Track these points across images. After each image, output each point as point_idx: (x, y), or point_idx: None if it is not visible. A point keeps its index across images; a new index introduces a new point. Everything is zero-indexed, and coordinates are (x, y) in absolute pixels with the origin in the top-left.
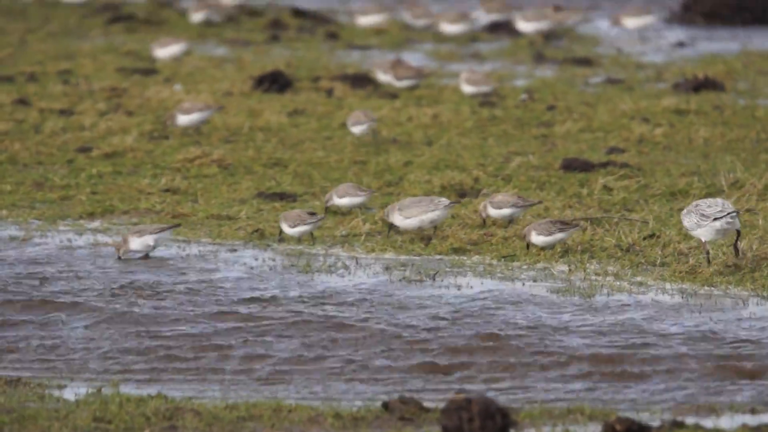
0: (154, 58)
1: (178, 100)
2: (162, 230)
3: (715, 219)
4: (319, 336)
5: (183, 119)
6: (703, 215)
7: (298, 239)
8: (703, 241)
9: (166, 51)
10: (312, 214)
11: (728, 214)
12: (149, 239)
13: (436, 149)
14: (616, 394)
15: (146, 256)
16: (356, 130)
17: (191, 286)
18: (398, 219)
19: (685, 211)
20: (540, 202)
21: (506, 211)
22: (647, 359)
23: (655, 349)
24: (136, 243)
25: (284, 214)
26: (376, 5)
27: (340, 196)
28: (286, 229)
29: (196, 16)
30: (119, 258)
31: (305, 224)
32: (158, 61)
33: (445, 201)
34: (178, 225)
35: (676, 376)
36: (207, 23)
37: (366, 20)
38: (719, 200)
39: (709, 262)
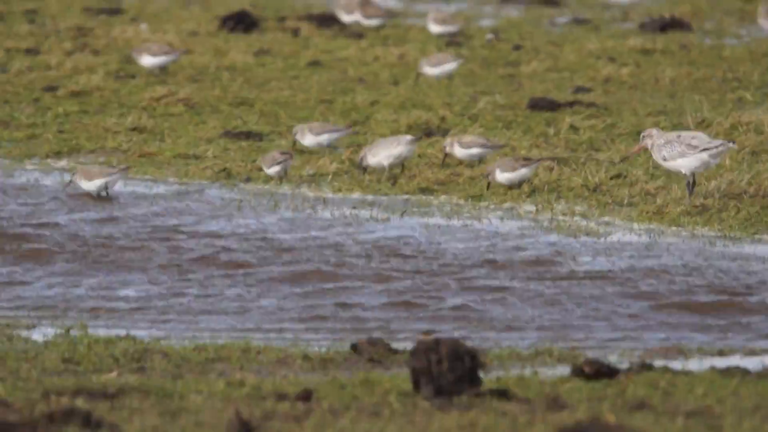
0: None
1: (144, 40)
2: (110, 174)
3: (704, 150)
4: None
5: (148, 60)
6: (690, 145)
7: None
8: (684, 172)
9: None
10: (284, 153)
11: (720, 145)
12: (97, 183)
13: (403, 89)
14: None
15: (105, 195)
16: (436, 71)
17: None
18: (369, 159)
19: (662, 141)
20: (505, 145)
21: (474, 152)
22: None
23: None
24: (86, 184)
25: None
26: None
27: (317, 134)
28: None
29: None
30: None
31: (278, 163)
32: (124, 0)
33: (407, 137)
34: (127, 168)
35: None
36: None
37: None
38: (700, 133)
39: (691, 192)
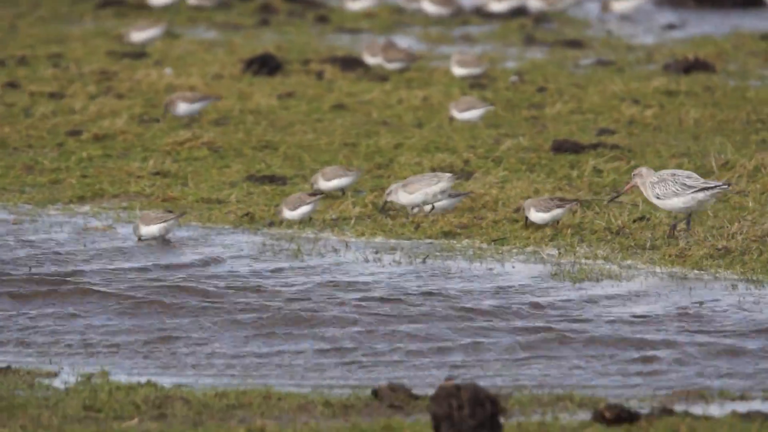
0: (130, 41)
1: (168, 84)
2: (166, 220)
3: (700, 190)
4: None
5: (185, 108)
6: (684, 185)
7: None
8: (674, 212)
9: (142, 35)
10: (312, 194)
11: (717, 187)
12: (154, 229)
13: (427, 131)
14: None
15: (165, 241)
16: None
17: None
18: (403, 195)
19: (655, 179)
20: (469, 193)
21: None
22: None
23: None
24: (143, 230)
25: (284, 199)
26: None
27: (328, 179)
28: (288, 213)
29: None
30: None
31: (306, 204)
32: (135, 44)
33: (447, 174)
34: (184, 213)
35: None
36: (195, 7)
37: (355, 5)
38: (692, 173)
39: (673, 234)
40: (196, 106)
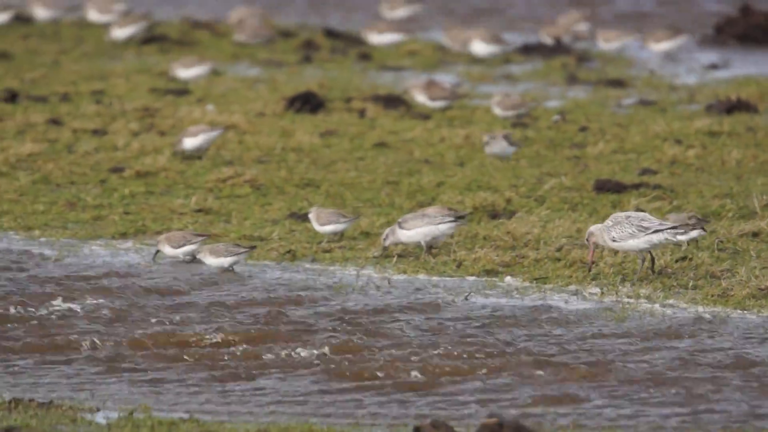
0: (176, 77)
1: (211, 121)
2: (237, 254)
3: (656, 231)
4: None
5: (189, 142)
6: (641, 227)
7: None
8: (637, 252)
9: (189, 72)
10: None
11: (671, 228)
12: (225, 261)
13: (469, 170)
14: None
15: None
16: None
17: None
18: (401, 234)
19: (610, 223)
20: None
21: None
22: None
23: None
24: (211, 261)
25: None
26: (393, 24)
27: (322, 224)
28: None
29: (121, 33)
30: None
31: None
32: (181, 80)
33: (449, 216)
34: (254, 248)
35: None
36: (240, 44)
37: (383, 38)
38: (647, 215)
39: (653, 271)
40: (199, 139)
